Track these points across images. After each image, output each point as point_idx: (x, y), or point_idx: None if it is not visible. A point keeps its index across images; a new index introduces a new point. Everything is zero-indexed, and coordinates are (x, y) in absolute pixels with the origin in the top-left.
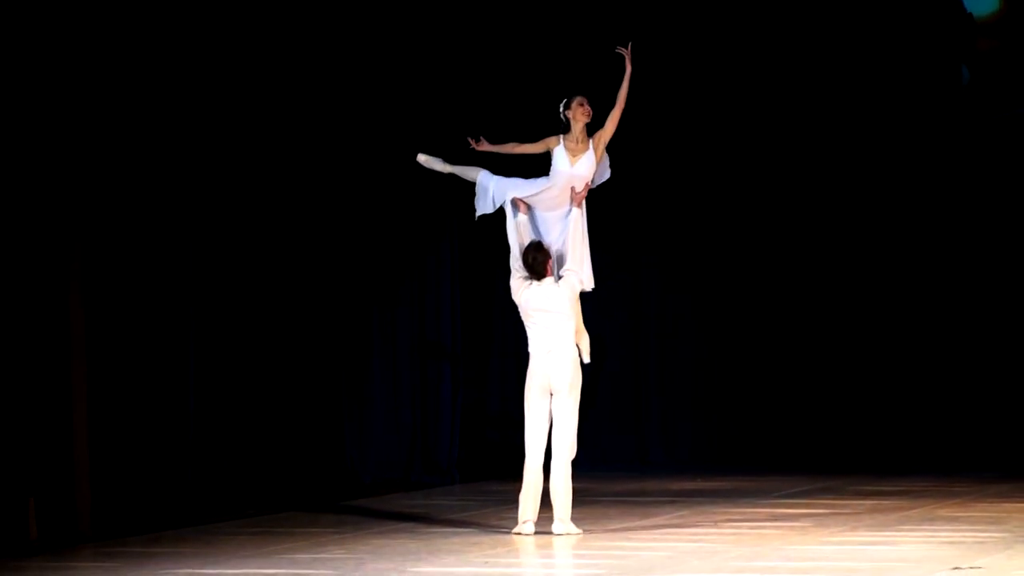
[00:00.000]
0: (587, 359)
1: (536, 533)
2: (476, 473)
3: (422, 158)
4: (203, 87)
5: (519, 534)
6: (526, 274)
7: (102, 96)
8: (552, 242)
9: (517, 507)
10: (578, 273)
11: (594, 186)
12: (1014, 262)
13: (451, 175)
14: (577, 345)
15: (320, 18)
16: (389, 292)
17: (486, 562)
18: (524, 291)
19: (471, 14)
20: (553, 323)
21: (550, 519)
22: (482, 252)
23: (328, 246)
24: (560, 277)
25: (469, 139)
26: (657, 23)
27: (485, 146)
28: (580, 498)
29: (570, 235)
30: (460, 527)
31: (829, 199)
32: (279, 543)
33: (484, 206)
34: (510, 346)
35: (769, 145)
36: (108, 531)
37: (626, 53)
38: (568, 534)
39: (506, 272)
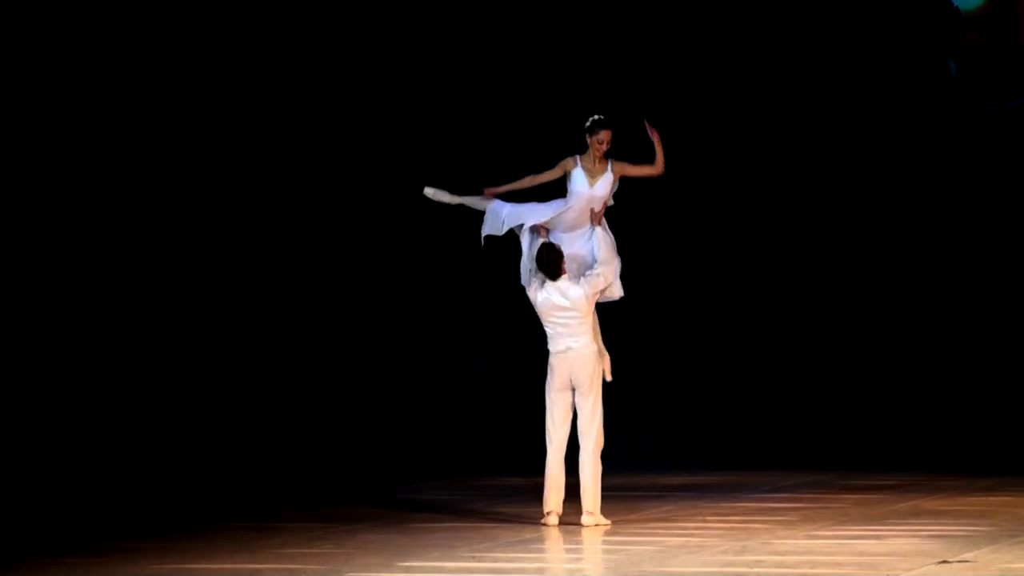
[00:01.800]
0: (609, 378)
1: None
2: (464, 468)
3: (428, 191)
4: (220, 96)
5: (544, 525)
6: (541, 276)
7: (104, 97)
8: (573, 257)
9: (513, 502)
10: (605, 275)
11: (612, 203)
12: (1003, 256)
13: (460, 206)
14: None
15: (319, 44)
16: (381, 288)
17: (473, 556)
18: (540, 292)
19: (474, 28)
20: (570, 320)
21: (576, 512)
22: (477, 249)
23: (320, 247)
24: (584, 276)
25: (484, 190)
26: (651, 23)
27: (498, 190)
28: (570, 492)
29: (601, 247)
30: (448, 522)
31: (818, 194)
32: (268, 539)
33: (493, 228)
34: (500, 343)
35: (761, 141)
36: (99, 527)
37: (651, 131)
38: (597, 525)
39: (511, 271)
